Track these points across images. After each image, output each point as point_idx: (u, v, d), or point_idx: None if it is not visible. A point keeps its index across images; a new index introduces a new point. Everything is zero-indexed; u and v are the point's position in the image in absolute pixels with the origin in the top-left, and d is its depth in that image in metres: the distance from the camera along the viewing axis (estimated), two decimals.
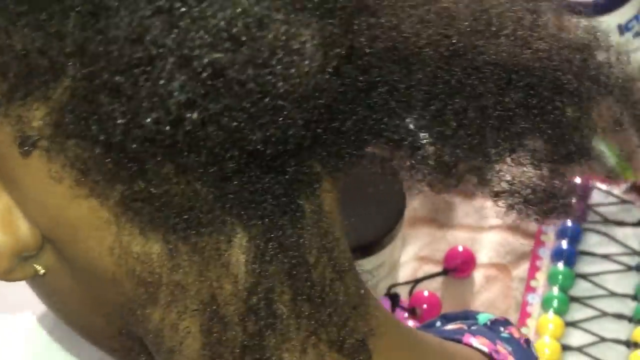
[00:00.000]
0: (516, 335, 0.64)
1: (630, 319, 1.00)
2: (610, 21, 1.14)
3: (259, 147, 0.43)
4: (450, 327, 0.65)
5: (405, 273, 1.05)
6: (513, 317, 1.01)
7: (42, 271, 0.50)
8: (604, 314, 1.01)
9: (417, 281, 1.03)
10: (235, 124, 0.42)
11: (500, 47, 0.48)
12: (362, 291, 0.50)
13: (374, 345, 0.50)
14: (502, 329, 0.64)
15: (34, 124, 0.44)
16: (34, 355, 0.95)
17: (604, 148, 1.12)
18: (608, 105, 0.51)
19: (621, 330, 1.00)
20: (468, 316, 0.66)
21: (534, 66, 0.48)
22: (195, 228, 0.46)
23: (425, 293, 1.02)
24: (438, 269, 1.05)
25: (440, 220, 1.09)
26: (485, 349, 0.60)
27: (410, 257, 1.06)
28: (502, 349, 0.61)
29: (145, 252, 0.47)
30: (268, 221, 0.47)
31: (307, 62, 0.41)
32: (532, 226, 1.07)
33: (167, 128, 0.41)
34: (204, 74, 0.41)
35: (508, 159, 0.50)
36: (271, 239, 0.47)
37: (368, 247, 0.99)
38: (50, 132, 0.44)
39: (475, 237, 1.07)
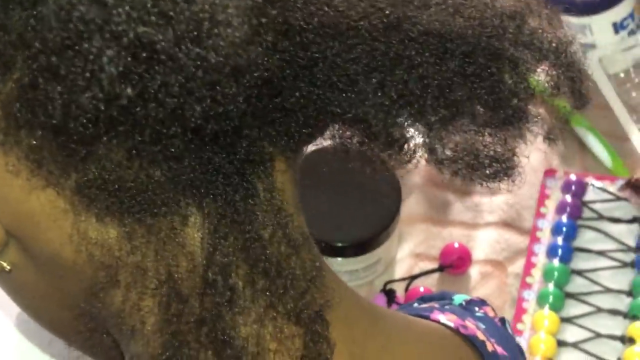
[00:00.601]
0: (490, 314, 0.66)
1: (625, 315, 1.00)
2: (605, 19, 1.14)
3: (200, 122, 0.44)
4: (423, 306, 0.66)
5: (401, 270, 1.05)
6: (509, 313, 1.02)
7: (8, 268, 0.51)
8: (599, 310, 1.01)
9: (413, 278, 1.03)
10: (172, 99, 0.43)
11: (432, 16, 0.49)
12: (318, 264, 0.51)
13: (331, 316, 0.51)
14: (476, 308, 0.66)
15: None
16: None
17: (598, 146, 1.12)
18: (545, 69, 0.53)
19: (616, 326, 1.00)
20: (444, 296, 0.68)
21: (467, 34, 0.50)
22: (150, 210, 0.47)
23: (421, 289, 1.02)
24: (434, 265, 1.05)
25: (436, 217, 1.09)
26: (452, 324, 0.61)
27: (406, 254, 1.06)
28: (471, 324, 0.62)
29: (103, 237, 0.48)
30: (221, 200, 0.48)
31: (233, 32, 0.42)
32: (528, 223, 1.08)
33: (103, 105, 0.42)
34: (133, 48, 0.42)
35: (450, 127, 0.51)
36: (225, 216, 0.48)
37: (364, 245, 0.99)
38: (3, 125, 0.46)
39: (471, 233, 1.08)
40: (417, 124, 0.50)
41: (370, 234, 0.99)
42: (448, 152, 0.52)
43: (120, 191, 0.46)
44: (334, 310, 0.51)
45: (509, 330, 0.67)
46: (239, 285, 0.49)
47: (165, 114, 0.43)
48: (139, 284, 0.49)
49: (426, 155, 0.53)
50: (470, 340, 0.61)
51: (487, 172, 0.53)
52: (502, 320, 0.67)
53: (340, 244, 0.98)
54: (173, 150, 0.45)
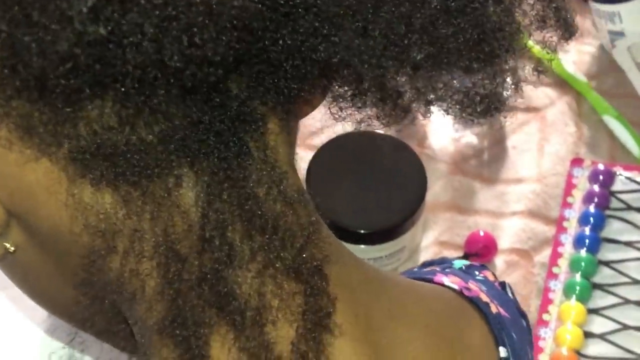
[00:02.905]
0: (491, 278, 0.66)
1: None
2: (635, 7, 1.13)
3: (180, 66, 0.43)
4: (425, 270, 0.67)
5: (425, 257, 1.04)
6: (535, 303, 1.01)
7: (12, 248, 0.52)
8: (627, 302, 1.00)
9: None
10: (148, 41, 0.43)
11: None
12: (314, 219, 0.52)
13: (329, 271, 0.51)
14: (476, 272, 0.67)
15: None
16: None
17: (627, 135, 1.11)
18: (531, 3, 0.53)
19: None
20: (444, 262, 0.69)
21: None
22: (144, 173, 0.47)
23: None
24: (459, 253, 1.04)
25: (461, 205, 1.08)
26: (456, 286, 0.62)
27: (431, 241, 1.05)
28: (474, 286, 0.62)
29: (99, 203, 0.48)
30: (213, 158, 0.48)
31: None
32: (554, 212, 1.07)
33: (78, 48, 0.42)
34: None
35: (436, 65, 0.51)
36: (218, 175, 0.48)
37: (389, 232, 0.98)
38: None
39: (497, 222, 1.07)
40: (404, 66, 0.50)
41: (395, 221, 0.98)
42: (437, 92, 0.52)
43: (114, 156, 0.46)
44: (333, 265, 0.52)
45: (509, 294, 0.67)
46: (236, 241, 0.49)
47: (143, 58, 0.43)
48: (136, 248, 0.49)
49: (416, 101, 0.53)
50: (474, 302, 0.61)
51: (478, 109, 0.53)
52: (502, 284, 0.67)
53: (364, 231, 0.97)
54: (158, 102, 0.45)
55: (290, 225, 0.50)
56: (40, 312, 0.59)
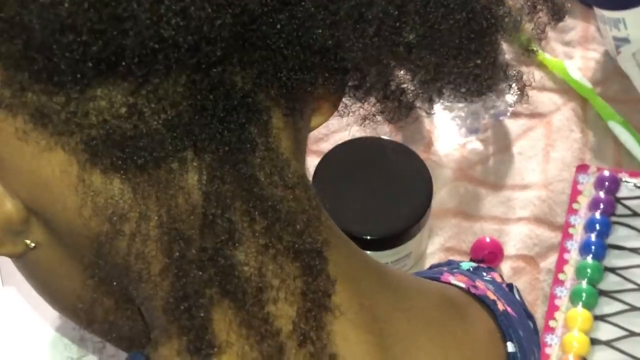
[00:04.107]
0: (498, 280, 0.66)
1: None
2: (639, 13, 1.13)
3: (176, 40, 0.45)
4: (432, 270, 0.68)
5: (431, 263, 1.04)
6: (541, 310, 1.01)
7: (32, 245, 0.53)
8: (633, 308, 1.00)
9: None
10: (144, 13, 0.44)
11: None
12: (314, 203, 0.53)
13: (329, 254, 0.52)
14: (484, 273, 0.68)
15: None
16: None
17: (632, 141, 1.11)
18: None
19: None
20: (451, 263, 0.70)
21: None
22: (151, 159, 0.48)
23: None
24: (465, 259, 1.04)
25: (467, 211, 1.08)
26: (463, 285, 0.63)
27: (437, 247, 1.05)
28: (481, 285, 0.62)
29: (107, 189, 0.49)
30: (216, 142, 0.49)
31: None
32: (560, 218, 1.07)
33: (77, 17, 0.44)
34: None
35: (428, 46, 0.52)
36: (220, 157, 0.49)
37: (395, 238, 0.98)
38: (9, 88, 0.47)
39: (503, 228, 1.07)
40: (397, 47, 0.51)
41: (401, 227, 0.98)
42: (431, 74, 0.53)
43: (123, 143, 0.48)
44: (333, 249, 0.53)
45: (516, 296, 0.68)
46: (238, 222, 0.50)
47: (140, 29, 0.44)
48: (142, 230, 0.50)
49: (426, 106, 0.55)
50: (481, 300, 0.62)
51: (472, 88, 0.54)
52: (510, 286, 0.67)
53: (370, 237, 0.97)
54: (164, 90, 0.47)
55: (291, 208, 0.51)
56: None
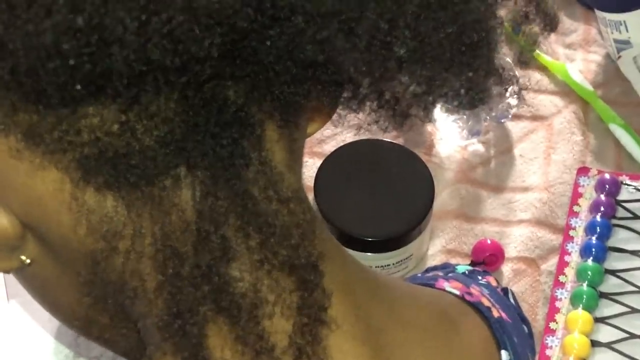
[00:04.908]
0: (493, 284, 0.66)
1: None
2: None
3: (164, 62, 0.45)
4: (427, 275, 0.68)
5: (427, 266, 1.04)
6: (542, 312, 1.01)
7: (28, 261, 0.53)
8: (634, 310, 1.00)
9: None
10: (131, 35, 0.44)
11: None
12: (309, 217, 0.53)
13: (324, 267, 0.52)
14: (479, 277, 0.67)
15: None
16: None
17: (633, 144, 1.11)
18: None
19: None
20: (447, 266, 0.70)
21: None
22: (144, 176, 0.48)
23: None
24: (466, 262, 1.04)
25: (468, 213, 1.08)
26: (457, 292, 0.63)
27: (438, 249, 1.05)
28: (476, 291, 0.62)
29: (101, 206, 0.49)
30: (209, 158, 0.49)
31: None
32: (561, 221, 1.07)
33: (63, 42, 0.43)
34: None
35: (419, 60, 0.51)
36: (213, 172, 0.49)
37: (396, 240, 0.98)
38: (0, 111, 0.48)
39: (504, 230, 1.07)
40: (388, 61, 0.51)
41: (402, 229, 0.98)
42: (423, 87, 0.53)
43: (116, 161, 0.48)
44: (328, 262, 0.53)
45: (512, 301, 0.68)
46: (232, 238, 0.50)
47: (127, 53, 0.44)
48: (137, 247, 0.50)
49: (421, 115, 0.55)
50: (476, 307, 0.62)
51: (463, 100, 0.54)
52: (505, 290, 0.67)
53: (372, 239, 0.97)
54: (157, 107, 0.47)
55: (286, 222, 0.51)
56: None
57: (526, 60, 0.58)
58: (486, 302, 0.63)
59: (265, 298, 0.51)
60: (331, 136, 1.13)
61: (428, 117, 0.55)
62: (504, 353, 0.62)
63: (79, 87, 0.45)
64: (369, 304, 0.56)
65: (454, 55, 0.51)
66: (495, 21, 0.53)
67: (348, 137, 1.10)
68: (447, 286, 0.64)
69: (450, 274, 0.67)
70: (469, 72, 0.53)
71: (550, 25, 0.56)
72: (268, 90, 0.50)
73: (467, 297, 0.63)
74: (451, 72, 0.52)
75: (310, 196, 0.98)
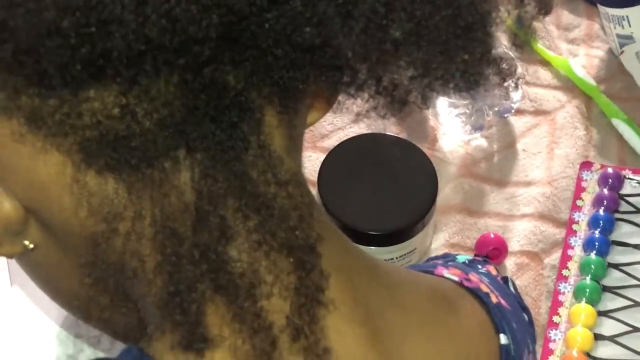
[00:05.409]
0: (493, 272, 0.67)
1: None
2: None
3: (163, 42, 0.45)
4: (426, 263, 0.68)
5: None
6: (545, 305, 1.01)
7: (31, 246, 0.54)
8: (637, 304, 1.00)
9: None
10: (130, 15, 0.44)
11: None
12: (307, 200, 0.53)
13: (322, 249, 0.53)
14: (479, 266, 0.68)
15: None
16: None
17: (636, 138, 1.11)
18: None
19: None
20: (447, 256, 0.70)
21: None
22: (144, 158, 0.49)
23: None
24: (469, 255, 1.04)
25: (471, 207, 1.08)
26: (456, 278, 0.64)
27: (441, 243, 1.06)
28: (475, 278, 0.63)
29: (102, 189, 0.50)
30: (208, 141, 0.49)
31: None
32: (564, 215, 1.07)
33: (63, 20, 0.44)
34: None
35: (416, 42, 0.52)
36: (212, 154, 0.50)
37: (399, 234, 0.99)
38: (3, 94, 0.48)
39: (507, 224, 1.07)
40: (384, 44, 0.51)
41: (405, 223, 0.98)
42: (419, 70, 0.53)
43: (116, 144, 0.48)
44: (326, 244, 0.53)
45: (512, 289, 0.68)
46: (230, 219, 0.50)
47: (126, 31, 0.45)
48: (137, 228, 0.50)
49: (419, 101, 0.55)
50: (474, 292, 0.63)
51: (459, 83, 0.54)
52: (505, 279, 0.68)
53: (375, 233, 0.98)
54: (157, 90, 0.47)
55: (284, 205, 0.51)
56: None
57: (520, 44, 0.58)
58: (485, 288, 0.64)
59: (263, 278, 0.51)
60: (334, 130, 1.13)
61: (426, 104, 0.55)
62: (502, 336, 0.62)
63: (79, 67, 0.46)
64: (367, 288, 0.56)
65: (450, 38, 0.52)
66: (490, 4, 0.53)
67: (351, 131, 1.11)
68: (446, 273, 0.64)
69: (450, 263, 0.68)
70: (464, 54, 0.53)
71: (545, 8, 0.56)
72: (267, 75, 0.50)
73: (466, 283, 0.63)
74: (447, 54, 0.52)
75: (314, 190, 0.98)
